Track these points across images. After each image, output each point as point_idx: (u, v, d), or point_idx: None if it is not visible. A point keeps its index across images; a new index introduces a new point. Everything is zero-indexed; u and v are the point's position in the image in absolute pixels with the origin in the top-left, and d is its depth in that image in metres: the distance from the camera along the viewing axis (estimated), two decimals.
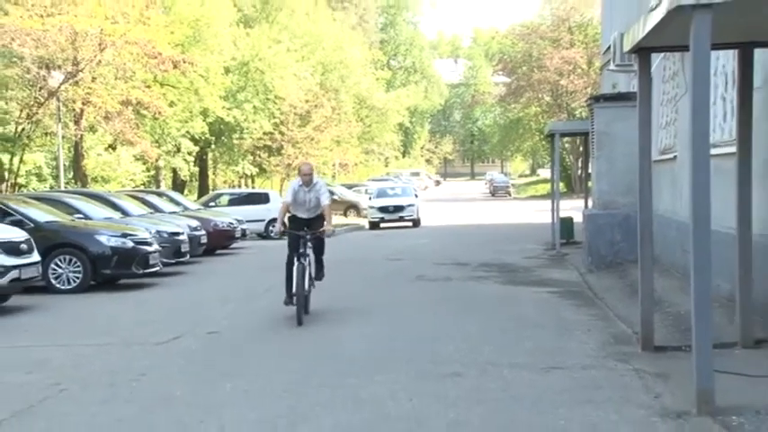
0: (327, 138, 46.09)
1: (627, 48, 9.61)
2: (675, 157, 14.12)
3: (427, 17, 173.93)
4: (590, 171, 21.62)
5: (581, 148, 30.83)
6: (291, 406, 7.18)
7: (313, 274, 11.99)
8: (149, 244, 16.05)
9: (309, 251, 11.71)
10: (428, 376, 8.05)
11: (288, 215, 12.08)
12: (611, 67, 19.17)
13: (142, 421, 6.81)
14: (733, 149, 9.48)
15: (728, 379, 7.19)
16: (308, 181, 11.81)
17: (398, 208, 34.47)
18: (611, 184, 17.93)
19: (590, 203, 21.02)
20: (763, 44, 9.06)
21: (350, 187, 48.21)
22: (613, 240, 17.23)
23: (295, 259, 11.47)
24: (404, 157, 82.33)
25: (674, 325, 10.10)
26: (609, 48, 20.69)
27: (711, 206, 7.18)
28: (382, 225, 34.40)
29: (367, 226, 35.43)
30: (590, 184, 21.61)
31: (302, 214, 11.92)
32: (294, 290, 11.23)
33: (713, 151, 8.40)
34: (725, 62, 11.08)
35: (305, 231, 11.69)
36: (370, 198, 38.28)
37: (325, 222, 11.90)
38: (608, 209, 17.88)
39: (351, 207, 42.55)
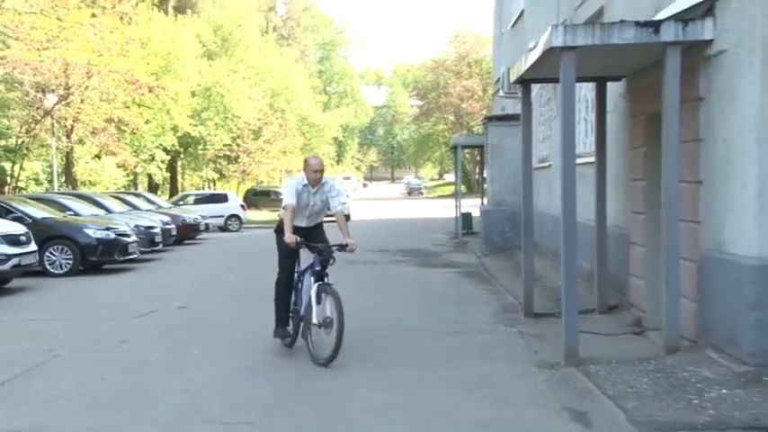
0: (276, 149, 46.10)
1: (512, 79, 9.79)
2: (550, 165, 14.38)
3: (356, 53, 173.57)
4: (485, 176, 21.87)
5: (478, 158, 31.12)
6: (248, 366, 7.19)
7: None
8: (129, 236, 15.81)
9: (309, 274, 7.46)
10: (361, 341, 8.10)
11: (286, 222, 7.45)
12: (501, 94, 19.49)
13: (123, 380, 6.72)
14: (592, 159, 9.72)
15: (589, 337, 7.42)
16: (316, 179, 7.61)
17: None
18: (502, 186, 18.22)
19: (485, 201, 21.27)
20: (613, 78, 9.32)
21: None
22: (503, 230, 17.49)
23: (308, 278, 7.46)
24: (338, 164, 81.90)
25: (549, 296, 10.30)
26: (499, 79, 21.00)
27: (577, 203, 7.40)
28: None
29: None
30: (485, 186, 21.85)
31: (299, 222, 7.63)
32: (316, 319, 7.09)
33: (578, 161, 8.61)
34: (586, 91, 11.33)
35: (326, 245, 7.45)
36: None
37: (343, 235, 7.57)
38: (499, 206, 18.17)
39: None
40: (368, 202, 51.72)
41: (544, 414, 5.52)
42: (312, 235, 7.66)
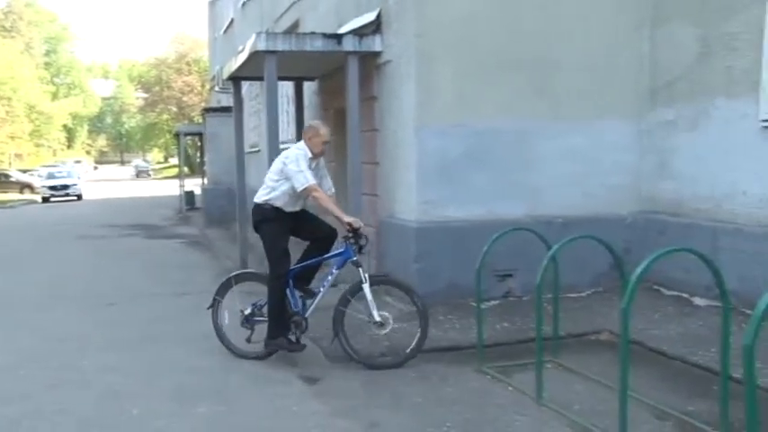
0: (3, 134, 40.71)
1: (225, 77, 9.59)
2: (260, 150, 14.39)
3: (83, 48, 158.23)
4: (205, 159, 21.32)
5: (199, 144, 30.19)
6: None
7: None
8: None
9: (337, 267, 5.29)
10: (93, 307, 7.50)
11: (269, 204, 5.27)
12: (217, 89, 19.06)
13: None
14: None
15: None
16: (321, 152, 5.39)
17: (65, 186, 31.15)
18: (219, 167, 17.94)
19: (206, 181, 20.77)
20: (308, 79, 9.53)
21: (25, 171, 42.69)
22: (221, 206, 17.24)
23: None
24: (69, 149, 74.34)
25: (262, 260, 10.27)
26: (214, 76, 20.48)
27: None
28: (52, 199, 30.93)
29: (40, 200, 31.70)
30: (205, 168, 21.32)
31: (291, 206, 5.31)
32: (379, 317, 5.03)
33: (282, 146, 8.69)
34: (287, 89, 11.46)
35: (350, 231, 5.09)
36: (41, 179, 34.28)
37: (342, 216, 5.11)
38: (217, 185, 17.89)
39: (26, 186, 37.59)
40: (99, 183, 47.73)
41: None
42: (303, 220, 5.38)
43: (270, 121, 7.36)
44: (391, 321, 5.10)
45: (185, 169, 25.83)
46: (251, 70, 8.19)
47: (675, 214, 6.84)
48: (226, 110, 16.68)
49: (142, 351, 5.81)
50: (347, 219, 5.12)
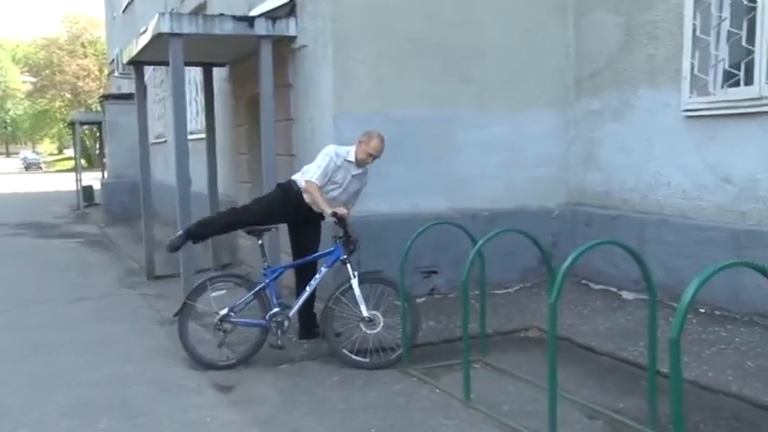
0: None
1: (125, 60, 9.29)
2: (166, 140, 14.02)
3: None
4: (105, 151, 20.57)
5: (98, 134, 29.09)
6: None
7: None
8: None
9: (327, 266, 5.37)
10: None
11: (296, 185, 5.43)
12: (116, 74, 18.39)
13: None
14: (203, 135, 9.68)
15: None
16: (363, 161, 5.40)
17: None
18: (121, 160, 17.40)
19: (106, 175, 20.06)
20: (218, 64, 9.34)
21: None
22: (123, 201, 16.75)
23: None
24: None
25: (170, 260, 9.98)
26: (113, 60, 19.76)
27: (190, 175, 7.31)
28: None
29: None
30: (105, 160, 20.57)
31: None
32: (367, 312, 5.12)
33: (191, 137, 8.50)
34: (195, 74, 11.21)
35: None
36: None
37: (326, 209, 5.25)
38: (119, 178, 17.36)
39: None
40: None
41: (165, 365, 5.38)
42: (310, 226, 5.53)
43: (177, 109, 7.17)
44: (381, 320, 5.14)
45: (82, 162, 24.85)
46: (154, 54, 7.96)
47: (603, 206, 7.11)
48: (127, 97, 16.14)
49: (33, 362, 5.56)
50: (329, 210, 5.19)
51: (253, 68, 7.73)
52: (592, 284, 6.97)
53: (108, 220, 16.38)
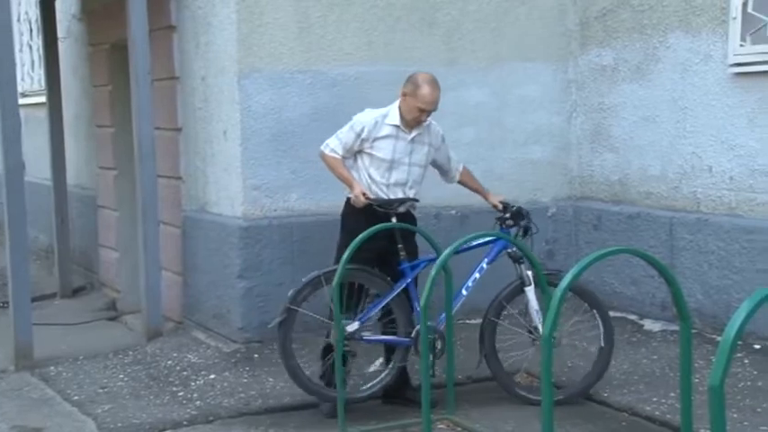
0: None
1: None
2: None
3: None
4: None
5: None
6: None
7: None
8: None
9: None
10: None
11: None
12: None
13: None
14: (44, 99, 9.49)
15: (49, 330, 7.33)
16: (415, 121, 5.39)
17: None
18: None
19: None
20: None
21: None
22: None
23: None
24: None
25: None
26: None
27: (24, 156, 7.16)
28: None
29: None
30: None
31: (384, 191, 5.44)
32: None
33: (24, 101, 8.34)
34: (28, 7, 10.98)
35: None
36: None
37: (487, 196, 5.76)
38: None
39: None
40: None
41: None
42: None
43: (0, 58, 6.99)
44: (562, 340, 5.22)
45: None
46: None
47: (617, 200, 7.21)
48: None
49: None
50: (358, 188, 5.29)
51: (118, 3, 7.62)
52: None
53: None
